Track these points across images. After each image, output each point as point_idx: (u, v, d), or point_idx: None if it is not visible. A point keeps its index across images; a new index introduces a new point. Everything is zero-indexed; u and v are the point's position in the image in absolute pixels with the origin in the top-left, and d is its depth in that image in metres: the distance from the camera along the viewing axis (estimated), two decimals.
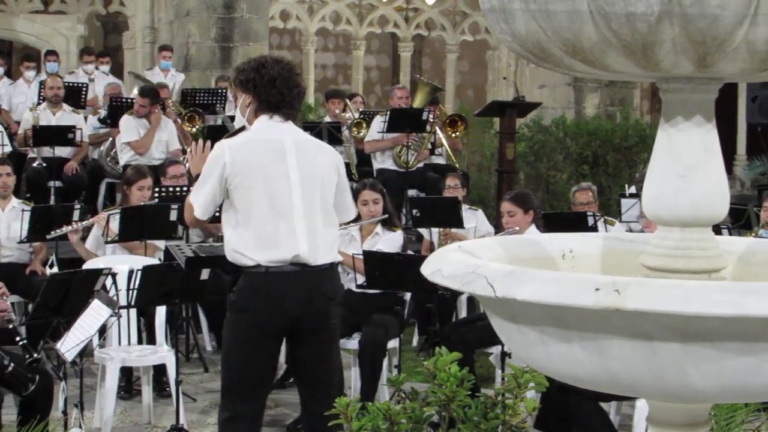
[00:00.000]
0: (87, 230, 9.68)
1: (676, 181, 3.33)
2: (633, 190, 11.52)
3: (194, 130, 13.57)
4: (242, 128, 6.02)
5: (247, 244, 5.71)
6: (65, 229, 9.21)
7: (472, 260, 3.30)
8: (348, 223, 8.83)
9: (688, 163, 3.32)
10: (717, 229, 8.22)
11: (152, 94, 13.09)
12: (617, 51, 3.10)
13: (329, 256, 5.83)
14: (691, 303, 2.83)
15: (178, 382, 7.53)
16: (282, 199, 5.72)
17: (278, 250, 5.68)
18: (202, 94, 14.53)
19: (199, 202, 5.80)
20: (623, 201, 11.17)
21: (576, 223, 9.70)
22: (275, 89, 5.81)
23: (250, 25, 16.56)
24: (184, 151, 12.97)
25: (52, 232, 9.26)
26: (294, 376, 6.04)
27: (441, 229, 10.47)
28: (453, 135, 13.65)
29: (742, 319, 2.84)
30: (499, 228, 9.69)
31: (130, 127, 12.78)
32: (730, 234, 9.50)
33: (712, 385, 3.05)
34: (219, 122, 13.73)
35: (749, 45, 2.99)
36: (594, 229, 9.59)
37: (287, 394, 8.49)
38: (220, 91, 14.57)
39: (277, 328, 5.80)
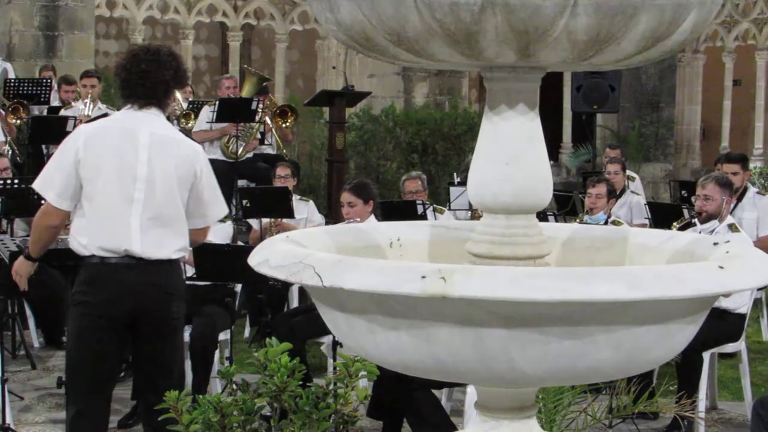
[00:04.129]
0: None
1: (501, 168, 3.37)
2: (460, 178, 11.65)
3: (19, 122, 13.25)
4: (104, 115, 5.95)
5: (84, 233, 5.67)
6: None
7: (300, 250, 3.29)
8: None
9: (512, 151, 3.37)
10: (543, 216, 8.38)
11: None
12: (442, 40, 3.12)
13: (164, 253, 5.74)
14: (516, 289, 2.87)
15: (3, 381, 7.35)
16: (124, 191, 5.64)
17: (111, 241, 5.63)
18: (26, 84, 14.18)
19: (55, 190, 5.68)
20: (452, 189, 11.27)
21: (406, 211, 9.77)
22: (126, 80, 5.76)
23: (76, 14, 16.23)
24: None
25: None
26: (134, 368, 5.97)
27: (271, 220, 10.43)
28: (283, 125, 13.64)
29: (567, 303, 2.89)
30: (338, 219, 9.68)
31: None
32: (556, 220, 9.67)
33: (538, 369, 3.10)
34: (44, 113, 13.41)
35: (570, 35, 3.05)
36: (423, 217, 9.66)
37: (118, 389, 8.33)
38: (44, 80, 14.23)
39: (115, 320, 5.72)
